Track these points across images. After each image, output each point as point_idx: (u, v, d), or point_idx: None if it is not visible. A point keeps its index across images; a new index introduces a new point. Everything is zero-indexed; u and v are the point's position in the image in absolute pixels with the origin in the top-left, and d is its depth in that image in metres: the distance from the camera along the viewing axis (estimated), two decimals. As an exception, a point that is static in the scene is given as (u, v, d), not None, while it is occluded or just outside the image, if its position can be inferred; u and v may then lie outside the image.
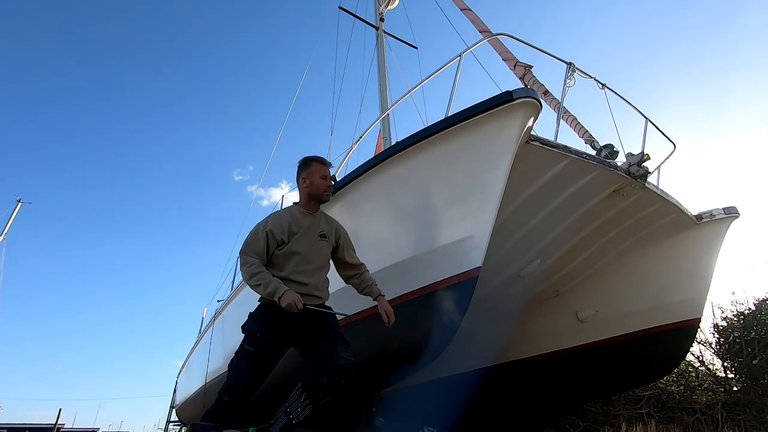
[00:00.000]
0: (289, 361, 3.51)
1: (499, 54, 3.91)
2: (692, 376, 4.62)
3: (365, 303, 2.73)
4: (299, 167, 2.25)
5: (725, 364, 4.48)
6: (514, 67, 3.74)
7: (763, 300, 4.62)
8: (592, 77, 2.94)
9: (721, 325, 4.70)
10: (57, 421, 19.30)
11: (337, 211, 3.11)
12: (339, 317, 2.24)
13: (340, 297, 2.91)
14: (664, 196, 2.95)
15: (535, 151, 2.44)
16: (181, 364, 9.79)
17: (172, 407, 10.66)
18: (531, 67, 3.64)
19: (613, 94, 3.00)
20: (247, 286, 4.58)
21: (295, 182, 2.27)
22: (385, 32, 7.49)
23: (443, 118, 2.45)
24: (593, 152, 2.85)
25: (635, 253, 3.41)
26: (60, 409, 19.68)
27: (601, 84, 2.98)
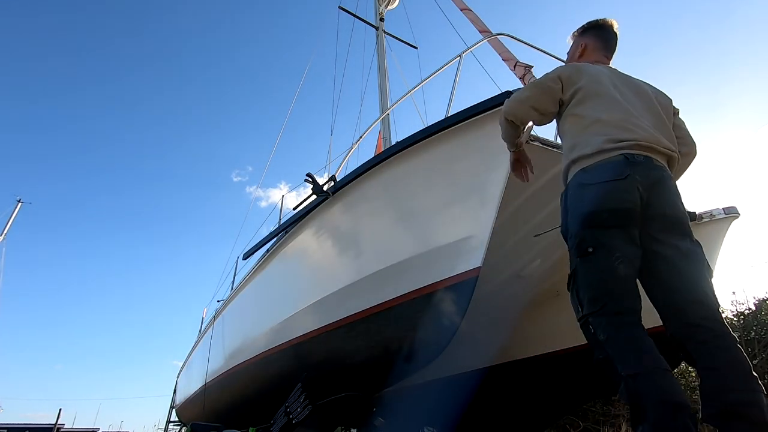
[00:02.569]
0: (288, 361, 3.52)
1: (499, 54, 3.90)
2: (692, 376, 4.61)
3: (365, 303, 2.73)
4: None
5: (725, 364, 4.48)
6: (514, 67, 3.74)
7: (763, 300, 4.62)
8: (592, 77, 2.93)
9: (721, 325, 4.70)
10: (57, 421, 19.33)
11: (337, 211, 3.12)
12: None
13: (338, 298, 2.92)
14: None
15: (535, 151, 2.44)
16: (181, 364, 9.80)
17: (172, 407, 10.65)
18: (531, 67, 3.63)
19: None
20: (248, 286, 4.58)
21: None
22: (385, 32, 7.49)
23: (443, 118, 2.45)
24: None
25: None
26: (60, 409, 19.74)
27: (601, 84, 2.97)
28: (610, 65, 1.85)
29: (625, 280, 1.30)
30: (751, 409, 1.09)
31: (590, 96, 1.58)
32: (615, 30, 1.89)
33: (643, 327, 1.25)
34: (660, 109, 1.64)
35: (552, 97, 1.61)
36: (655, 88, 1.75)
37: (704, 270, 1.34)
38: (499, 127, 1.78)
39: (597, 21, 1.90)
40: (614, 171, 1.39)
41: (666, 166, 1.50)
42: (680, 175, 1.74)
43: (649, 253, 1.36)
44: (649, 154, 1.45)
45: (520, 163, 1.87)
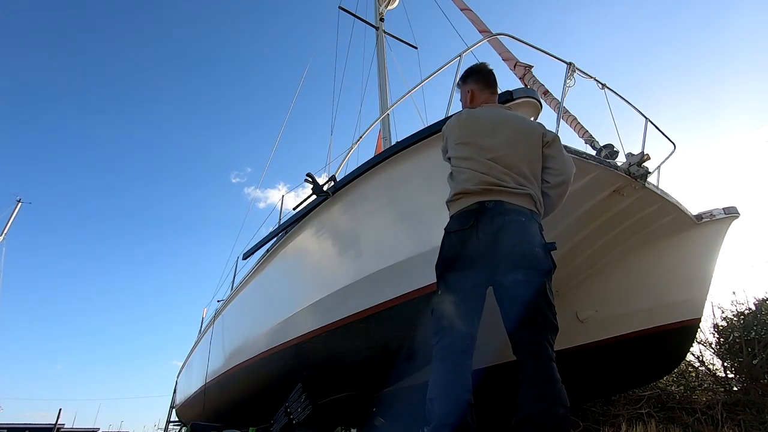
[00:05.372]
0: (288, 361, 3.52)
1: (499, 54, 3.91)
2: (692, 376, 4.61)
3: (365, 303, 2.73)
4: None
5: (725, 364, 4.48)
6: (514, 67, 3.74)
7: (763, 300, 4.61)
8: (592, 77, 2.93)
9: (721, 325, 4.69)
10: (57, 421, 19.33)
11: (337, 211, 3.12)
12: None
13: (338, 298, 2.92)
14: (664, 196, 2.95)
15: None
16: (181, 364, 9.80)
17: (172, 407, 10.65)
18: (531, 67, 3.64)
19: (613, 94, 3.00)
20: (248, 286, 4.58)
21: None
22: (385, 32, 7.49)
23: (443, 118, 2.45)
24: (593, 152, 2.85)
25: (635, 253, 3.41)
26: (60, 409, 19.76)
27: (601, 84, 2.98)
28: (495, 102, 2.05)
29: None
30: (543, 417, 1.28)
31: (459, 146, 1.78)
32: (489, 69, 2.10)
33: (464, 357, 1.52)
34: (526, 146, 1.75)
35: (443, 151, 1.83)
36: (528, 122, 1.88)
37: (538, 297, 1.49)
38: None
39: (473, 67, 2.12)
40: (461, 221, 1.62)
41: (521, 205, 1.61)
42: (559, 202, 1.79)
43: (496, 285, 1.56)
44: (500, 198, 1.58)
45: None
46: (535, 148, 1.76)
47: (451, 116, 1.99)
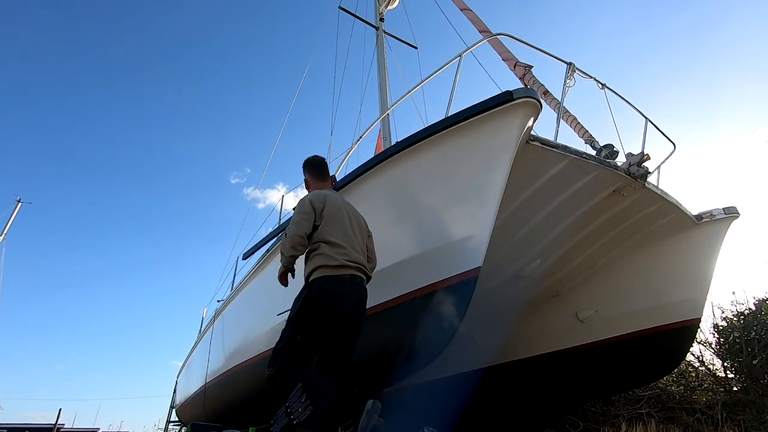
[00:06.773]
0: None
1: (499, 54, 3.91)
2: (692, 376, 4.61)
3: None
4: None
5: (725, 364, 4.48)
6: (514, 67, 3.74)
7: (763, 300, 4.61)
8: (592, 77, 2.94)
9: (721, 325, 4.69)
10: (57, 421, 19.31)
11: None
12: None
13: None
14: (664, 196, 2.95)
15: (535, 151, 2.44)
16: (181, 364, 9.80)
17: (172, 407, 10.65)
18: (531, 67, 3.64)
19: (613, 94, 3.00)
20: (248, 286, 4.59)
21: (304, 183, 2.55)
22: (385, 32, 7.49)
23: (443, 118, 2.45)
24: (593, 152, 2.85)
25: (635, 253, 3.41)
26: (60, 409, 19.70)
27: (601, 84, 2.98)
28: (331, 188, 2.46)
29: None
30: None
31: (332, 221, 2.09)
32: (319, 160, 2.51)
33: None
34: (363, 235, 2.23)
35: (310, 222, 2.06)
36: (358, 212, 2.31)
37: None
38: (499, 127, 2.05)
39: (307, 159, 2.52)
40: (340, 287, 1.96)
41: (366, 285, 2.13)
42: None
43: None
44: (362, 276, 2.08)
45: (287, 272, 2.23)
46: (365, 238, 2.24)
47: (311, 193, 2.24)
